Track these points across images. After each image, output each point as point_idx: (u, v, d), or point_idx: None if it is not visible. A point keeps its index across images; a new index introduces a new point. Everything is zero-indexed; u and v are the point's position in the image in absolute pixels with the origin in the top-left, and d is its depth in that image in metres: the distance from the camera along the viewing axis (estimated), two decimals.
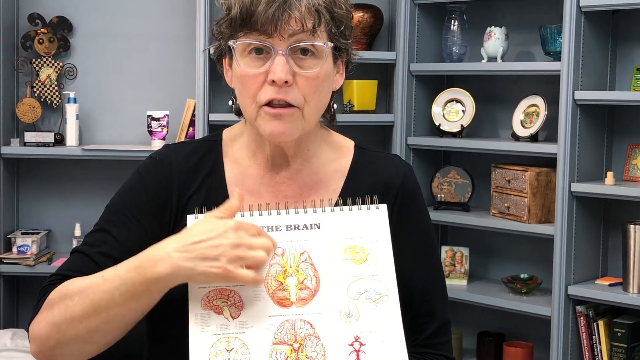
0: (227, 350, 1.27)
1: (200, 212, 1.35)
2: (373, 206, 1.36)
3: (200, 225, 1.29)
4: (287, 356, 1.27)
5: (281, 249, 1.32)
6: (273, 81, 1.36)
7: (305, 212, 1.35)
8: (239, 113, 1.49)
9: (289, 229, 1.33)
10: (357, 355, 1.28)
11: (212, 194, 1.47)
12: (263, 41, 1.37)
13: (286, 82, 1.36)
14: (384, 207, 1.36)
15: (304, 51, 1.38)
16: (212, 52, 1.49)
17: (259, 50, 1.38)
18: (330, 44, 1.41)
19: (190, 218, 1.34)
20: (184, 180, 1.48)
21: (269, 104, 1.39)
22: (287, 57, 1.37)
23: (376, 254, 1.33)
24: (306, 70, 1.38)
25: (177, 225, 1.45)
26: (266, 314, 1.28)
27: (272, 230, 1.33)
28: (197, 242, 1.26)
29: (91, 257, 1.42)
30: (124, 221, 1.45)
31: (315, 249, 1.32)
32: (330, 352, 1.28)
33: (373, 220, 1.35)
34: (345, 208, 1.36)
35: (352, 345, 1.28)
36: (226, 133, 1.54)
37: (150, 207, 1.46)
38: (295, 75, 1.38)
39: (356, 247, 1.33)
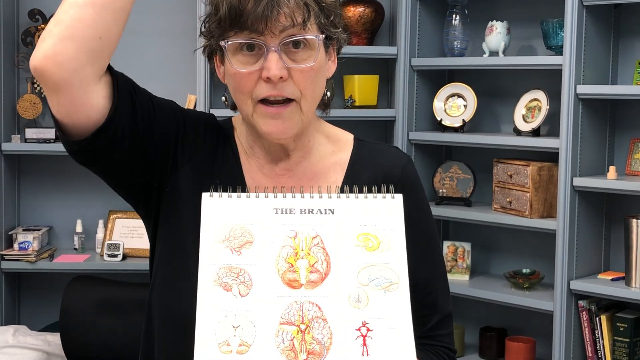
0: (234, 327, 1.27)
1: (216, 190, 1.35)
2: (389, 195, 1.36)
3: None
4: (294, 337, 1.27)
5: (294, 231, 1.32)
6: (268, 78, 1.36)
7: (320, 197, 1.35)
8: (234, 107, 1.49)
9: (303, 212, 1.34)
10: (364, 340, 1.28)
11: (229, 170, 1.49)
12: (254, 39, 1.36)
13: (281, 77, 1.36)
14: (399, 197, 1.36)
15: (296, 44, 1.38)
16: (202, 50, 1.49)
17: (250, 47, 1.37)
18: (322, 36, 1.40)
19: (205, 196, 1.35)
20: (216, 145, 1.50)
21: (265, 101, 1.39)
22: (279, 52, 1.36)
23: (389, 242, 1.33)
24: (300, 63, 1.38)
25: (181, 160, 1.46)
26: (275, 294, 1.28)
27: (286, 213, 1.33)
28: None
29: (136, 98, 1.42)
30: (174, 109, 1.47)
31: (327, 234, 1.32)
32: (337, 335, 1.28)
33: (388, 209, 1.35)
34: (361, 195, 1.36)
35: (359, 330, 1.29)
36: (235, 120, 1.55)
37: (191, 128, 1.47)
38: (290, 69, 1.38)
39: (369, 234, 1.33)
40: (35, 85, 3.55)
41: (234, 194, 1.34)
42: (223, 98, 1.55)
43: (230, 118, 1.56)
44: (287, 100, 1.39)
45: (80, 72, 1.29)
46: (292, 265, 1.30)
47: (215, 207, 1.33)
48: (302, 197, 1.35)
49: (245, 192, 1.37)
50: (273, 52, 1.36)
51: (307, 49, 1.39)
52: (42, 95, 3.55)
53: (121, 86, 1.36)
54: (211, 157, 1.49)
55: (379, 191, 1.37)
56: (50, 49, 1.28)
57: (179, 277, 1.43)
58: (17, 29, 3.57)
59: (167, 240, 1.47)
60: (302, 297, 1.29)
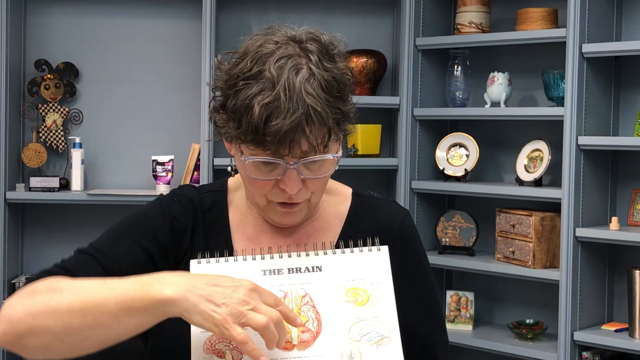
0: None
1: (203, 256, 1.36)
2: (374, 248, 1.37)
3: (221, 275, 1.28)
4: None
5: (283, 292, 1.33)
6: (284, 190, 1.37)
7: (307, 254, 1.36)
8: (237, 172, 1.50)
9: (291, 272, 1.34)
10: None
11: (216, 238, 1.49)
12: (275, 159, 1.35)
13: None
14: (385, 249, 1.37)
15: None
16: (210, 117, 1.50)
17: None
18: (339, 154, 1.40)
19: (193, 263, 1.36)
20: (193, 223, 1.50)
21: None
22: (298, 169, 1.36)
23: (378, 295, 1.34)
24: (315, 174, 1.38)
25: (177, 264, 1.46)
26: (268, 357, 1.27)
27: (274, 274, 1.34)
28: (212, 284, 1.23)
29: (101, 263, 1.43)
30: (137, 239, 1.46)
31: (317, 292, 1.33)
32: None
33: (374, 262, 1.36)
34: (347, 250, 1.37)
35: None
36: (231, 181, 1.56)
37: (162, 236, 1.47)
38: (305, 179, 1.39)
39: (358, 289, 1.34)
40: (40, 135, 3.57)
41: (222, 259, 1.35)
42: (229, 168, 1.56)
43: (226, 180, 1.56)
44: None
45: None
46: None
47: (204, 273, 1.33)
48: (289, 256, 1.35)
49: (234, 251, 1.37)
50: (292, 170, 1.35)
51: (323, 161, 1.38)
52: (47, 144, 3.57)
53: None
54: (190, 238, 1.49)
55: (365, 244, 1.38)
56: (18, 348, 1.32)
57: (173, 349, 1.40)
58: (23, 78, 3.60)
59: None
60: (295, 358, 1.29)
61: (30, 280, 1.37)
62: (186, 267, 1.42)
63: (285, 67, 1.32)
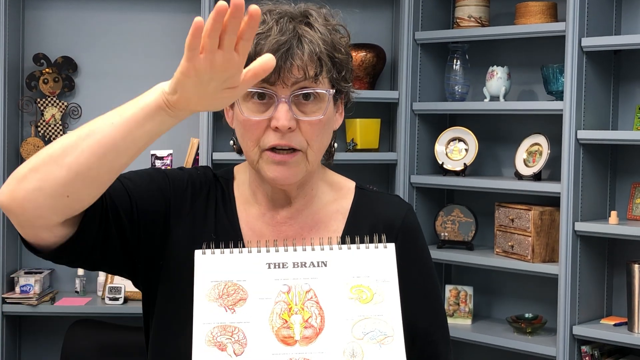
0: None
1: (208, 247, 1.35)
2: (381, 245, 1.36)
3: None
4: None
5: (287, 286, 1.32)
6: (277, 127, 1.38)
7: (313, 249, 1.35)
8: (240, 152, 1.50)
9: (296, 266, 1.33)
10: None
11: (223, 224, 1.49)
12: (266, 89, 1.38)
13: (289, 128, 1.38)
14: (391, 247, 1.36)
15: (306, 96, 1.40)
16: None
17: (261, 96, 1.40)
18: (332, 90, 1.43)
19: (197, 253, 1.35)
20: (207, 200, 1.50)
21: (273, 149, 1.40)
22: (289, 103, 1.38)
23: (382, 293, 1.33)
24: (309, 115, 1.40)
25: (172, 230, 1.46)
26: (270, 352, 1.27)
27: (279, 267, 1.33)
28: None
29: (127, 189, 1.42)
30: (161, 186, 1.47)
31: (321, 287, 1.32)
32: None
33: (380, 260, 1.35)
34: (353, 246, 1.36)
35: None
36: (236, 169, 1.57)
37: (180, 193, 1.48)
38: (299, 120, 1.39)
39: (362, 286, 1.33)
40: (39, 129, 3.57)
41: (227, 250, 1.34)
42: (231, 142, 1.56)
43: (232, 168, 1.57)
44: (293, 150, 1.41)
45: (45, 219, 1.28)
46: (287, 321, 1.30)
47: (208, 264, 1.33)
48: (295, 250, 1.35)
49: (242, 243, 1.37)
50: (283, 103, 1.38)
51: (316, 101, 1.41)
52: (46, 139, 3.57)
53: (89, 215, 1.34)
54: (203, 216, 1.49)
55: (371, 241, 1.37)
56: (19, 193, 1.26)
57: (176, 337, 1.42)
58: (22, 72, 3.60)
59: (165, 302, 1.47)
60: (297, 354, 1.28)
61: None
62: (184, 227, 1.45)
63: (283, 17, 1.41)
